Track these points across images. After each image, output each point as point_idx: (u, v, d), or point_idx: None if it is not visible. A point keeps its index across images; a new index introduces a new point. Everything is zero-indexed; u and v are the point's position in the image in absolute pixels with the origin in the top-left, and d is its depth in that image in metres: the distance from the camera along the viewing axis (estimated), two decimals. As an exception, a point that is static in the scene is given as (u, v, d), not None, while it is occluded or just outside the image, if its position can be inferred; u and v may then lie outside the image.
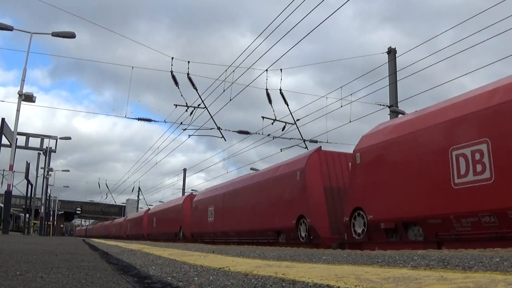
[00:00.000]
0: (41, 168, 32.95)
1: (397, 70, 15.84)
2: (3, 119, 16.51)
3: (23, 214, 40.73)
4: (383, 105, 16.12)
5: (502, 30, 10.99)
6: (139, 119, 18.79)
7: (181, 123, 19.00)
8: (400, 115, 13.96)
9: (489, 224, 6.62)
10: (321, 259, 3.55)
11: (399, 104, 15.75)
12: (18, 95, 17.42)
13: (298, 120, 18.54)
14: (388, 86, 15.75)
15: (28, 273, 2.67)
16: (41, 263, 3.43)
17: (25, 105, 17.87)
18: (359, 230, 9.19)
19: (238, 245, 12.34)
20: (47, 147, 28.94)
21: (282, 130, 18.99)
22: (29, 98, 17.67)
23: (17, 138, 18.53)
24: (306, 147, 18.88)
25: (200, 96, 17.85)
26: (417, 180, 7.84)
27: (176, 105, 17.99)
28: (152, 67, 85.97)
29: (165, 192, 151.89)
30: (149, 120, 19.43)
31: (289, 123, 18.63)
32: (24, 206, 38.02)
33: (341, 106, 17.01)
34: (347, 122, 17.51)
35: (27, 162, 29.85)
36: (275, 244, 11.48)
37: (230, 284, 2.14)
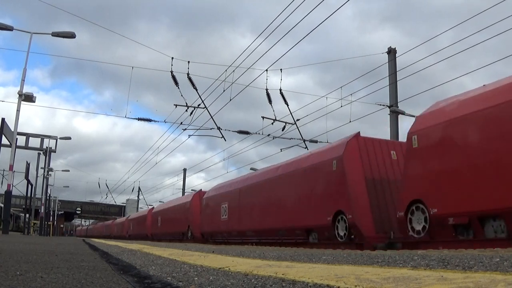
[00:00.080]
0: (41, 168, 32.99)
1: (397, 70, 15.86)
2: (3, 119, 16.51)
3: (23, 214, 40.73)
4: (383, 105, 16.12)
5: (502, 30, 11.00)
6: (139, 119, 18.82)
7: (181, 123, 19.03)
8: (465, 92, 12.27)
9: None
10: (321, 259, 3.55)
11: (399, 104, 15.76)
12: (18, 95, 17.42)
13: (298, 120, 18.57)
14: (388, 86, 15.76)
15: (28, 273, 2.67)
16: (41, 263, 3.43)
17: (25, 105, 17.89)
18: (418, 227, 7.74)
19: (257, 245, 11.43)
20: (47, 147, 28.94)
21: (282, 130, 19.02)
22: (29, 98, 17.67)
23: (17, 138, 18.53)
24: (306, 147, 18.91)
25: (200, 96, 17.87)
26: (501, 163, 6.50)
27: (176, 105, 18.01)
28: (152, 67, 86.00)
29: (165, 192, 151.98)
30: (149, 120, 19.47)
31: (289, 123, 18.65)
32: (24, 206, 38.02)
33: (341, 106, 17.02)
34: (347, 122, 17.52)
35: (27, 162, 29.88)
36: (305, 245, 10.30)
37: (230, 284, 2.14)
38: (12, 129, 17.44)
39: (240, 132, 19.79)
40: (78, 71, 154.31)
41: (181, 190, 41.88)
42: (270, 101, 17.63)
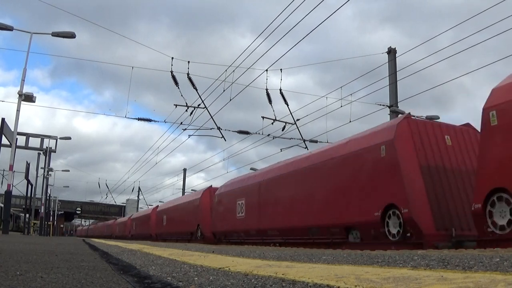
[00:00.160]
0: (41, 168, 33.00)
1: (397, 70, 15.87)
2: (3, 119, 16.52)
3: (23, 214, 40.73)
4: (383, 105, 16.14)
5: (502, 30, 10.98)
6: (139, 119, 18.83)
7: (181, 123, 19.04)
8: None
9: None
10: (321, 259, 3.55)
11: (399, 104, 15.77)
12: (18, 95, 17.43)
13: (298, 120, 18.58)
14: (388, 86, 15.77)
15: (28, 273, 2.67)
16: (41, 263, 3.43)
17: (25, 105, 17.90)
18: (502, 222, 6.46)
19: (282, 246, 10.43)
20: (47, 147, 28.95)
21: (282, 130, 19.04)
22: (29, 98, 17.68)
23: (17, 138, 18.54)
24: (306, 147, 18.91)
25: (200, 96, 17.88)
26: None
27: (176, 105, 18.02)
28: (152, 67, 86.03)
29: (165, 192, 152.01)
30: (149, 120, 19.50)
31: (289, 123, 18.66)
32: (24, 206, 38.03)
33: (341, 106, 17.03)
34: (347, 122, 17.54)
35: (27, 162, 29.90)
36: (344, 246, 9.02)
37: (230, 284, 2.14)
38: (12, 129, 17.45)
39: (240, 132, 19.81)
40: (78, 71, 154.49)
41: (181, 190, 41.91)
42: (270, 101, 17.65)
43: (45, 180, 33.85)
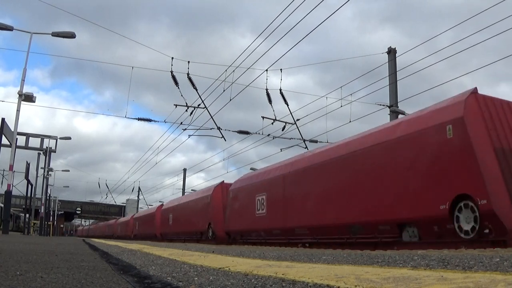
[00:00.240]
0: (41, 168, 33.00)
1: (397, 70, 15.86)
2: (3, 119, 16.52)
3: (23, 214, 40.72)
4: (383, 105, 16.13)
5: (502, 30, 10.98)
6: (139, 119, 18.84)
7: (181, 123, 19.05)
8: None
9: None
10: (321, 259, 3.55)
11: (399, 104, 15.76)
12: (18, 95, 17.43)
13: (298, 120, 18.59)
14: (388, 86, 15.76)
15: (28, 273, 2.67)
16: (41, 263, 3.43)
17: (25, 105, 17.90)
18: None
19: (314, 247, 9.31)
20: (47, 147, 28.96)
21: (282, 130, 19.05)
22: (29, 98, 17.68)
23: (17, 138, 18.54)
24: (306, 147, 18.91)
25: (200, 96, 17.88)
26: None
27: (176, 105, 18.03)
28: (152, 67, 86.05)
29: (165, 192, 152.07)
30: (149, 120, 19.51)
31: (289, 123, 18.67)
32: (24, 206, 38.03)
33: (341, 106, 17.03)
34: (347, 122, 17.54)
35: (27, 162, 29.91)
36: (396, 246, 7.74)
37: (230, 284, 2.14)
38: (12, 129, 17.45)
39: (240, 132, 19.81)
40: (78, 71, 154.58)
41: (181, 190, 41.92)
42: (270, 101, 17.66)
43: (45, 180, 33.87)
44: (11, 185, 17.63)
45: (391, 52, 15.98)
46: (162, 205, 28.02)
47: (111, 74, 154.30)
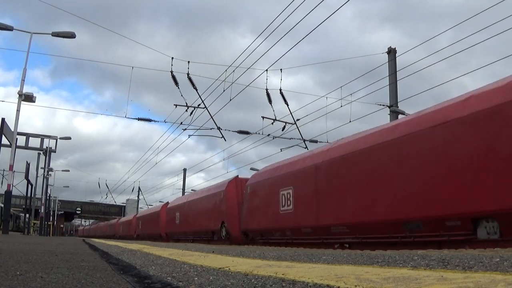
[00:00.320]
0: (41, 168, 33.00)
1: (397, 70, 15.87)
2: (3, 119, 16.52)
3: (23, 214, 40.73)
4: (383, 105, 16.14)
5: (502, 30, 10.98)
6: (139, 119, 18.85)
7: (181, 123, 19.07)
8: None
9: None
10: (321, 259, 3.55)
11: (399, 104, 15.77)
12: (18, 95, 17.44)
13: (298, 120, 18.61)
14: (388, 86, 15.77)
15: (28, 273, 2.67)
16: (41, 263, 3.43)
17: (25, 105, 17.91)
18: None
19: (356, 248, 7.92)
20: (47, 147, 28.96)
21: (282, 130, 19.07)
22: (29, 98, 17.69)
23: (17, 138, 18.54)
24: (306, 147, 18.92)
25: (200, 96, 17.89)
26: None
27: (176, 105, 18.04)
28: (152, 67, 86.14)
29: (165, 192, 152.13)
30: (149, 120, 19.54)
31: (289, 123, 18.69)
32: (24, 206, 38.03)
33: (341, 106, 17.05)
34: (347, 122, 17.55)
35: (27, 162, 29.91)
36: (468, 245, 6.52)
37: (230, 284, 2.14)
38: (12, 129, 17.46)
39: (240, 132, 19.82)
40: (78, 71, 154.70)
41: (181, 190, 41.93)
42: (270, 101, 17.67)
43: (45, 180, 33.87)
44: (11, 185, 17.64)
45: (391, 52, 15.99)
46: (167, 203, 25.98)
47: (111, 74, 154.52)
